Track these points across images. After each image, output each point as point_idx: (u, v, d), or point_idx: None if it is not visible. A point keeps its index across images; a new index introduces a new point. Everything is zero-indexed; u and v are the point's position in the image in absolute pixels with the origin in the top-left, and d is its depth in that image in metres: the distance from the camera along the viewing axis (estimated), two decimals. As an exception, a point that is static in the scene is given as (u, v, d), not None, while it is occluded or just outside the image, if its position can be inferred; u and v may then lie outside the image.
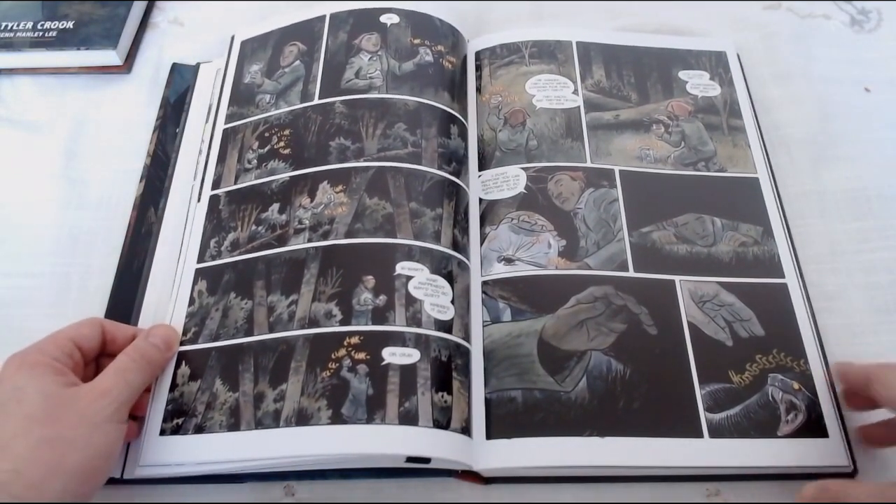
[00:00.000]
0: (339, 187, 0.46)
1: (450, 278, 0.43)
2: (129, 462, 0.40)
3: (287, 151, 0.49)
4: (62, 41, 0.57)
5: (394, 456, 0.38)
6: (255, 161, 0.49)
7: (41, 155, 0.55)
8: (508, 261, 0.46)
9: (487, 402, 0.41)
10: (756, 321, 0.44)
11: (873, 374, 0.37)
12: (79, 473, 0.34)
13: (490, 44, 0.57)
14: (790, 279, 0.46)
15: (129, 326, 0.43)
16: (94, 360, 0.41)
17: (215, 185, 0.49)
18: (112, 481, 0.40)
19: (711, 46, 0.58)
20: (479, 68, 0.56)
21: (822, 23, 0.61)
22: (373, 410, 0.38)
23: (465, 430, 0.39)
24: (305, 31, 0.55)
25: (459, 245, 0.45)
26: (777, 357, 0.43)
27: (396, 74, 0.51)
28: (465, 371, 0.41)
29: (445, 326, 0.42)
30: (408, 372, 0.39)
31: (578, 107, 0.53)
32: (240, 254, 0.45)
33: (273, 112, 0.51)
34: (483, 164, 0.51)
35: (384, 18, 0.54)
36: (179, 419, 0.40)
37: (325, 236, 0.44)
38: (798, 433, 0.40)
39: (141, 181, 0.52)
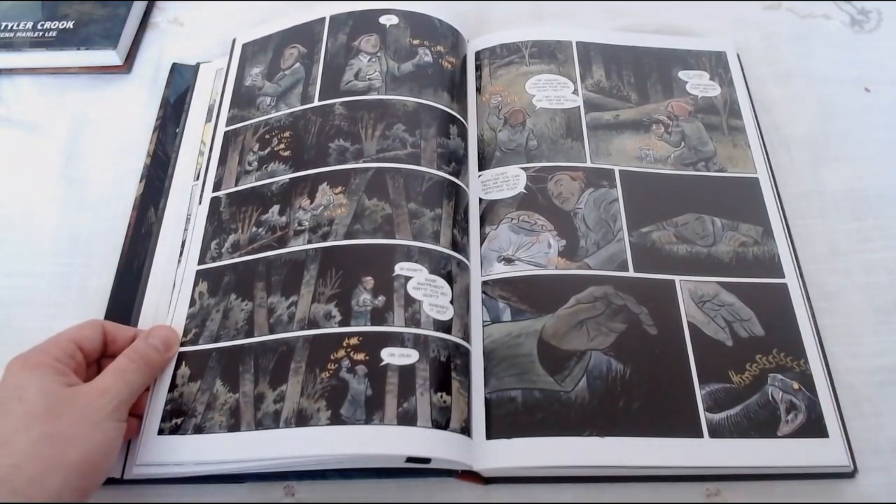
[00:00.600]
0: (339, 188, 0.46)
1: (449, 278, 0.43)
2: (128, 462, 0.40)
3: (287, 153, 0.49)
4: (62, 41, 0.57)
5: (393, 456, 0.38)
6: (256, 163, 0.49)
7: (41, 155, 0.55)
8: (508, 261, 0.46)
9: (487, 402, 0.41)
10: (756, 321, 0.44)
11: None
12: (78, 469, 0.34)
13: (490, 44, 0.57)
14: (790, 279, 0.46)
15: (130, 328, 0.43)
16: (95, 361, 0.41)
17: (216, 187, 0.50)
18: (112, 481, 0.40)
19: (711, 46, 0.58)
20: (479, 68, 0.56)
21: (822, 23, 0.61)
22: (371, 411, 0.38)
23: (465, 430, 0.39)
24: (305, 34, 0.55)
25: (459, 245, 0.45)
26: (777, 357, 0.43)
27: (395, 75, 0.51)
28: (465, 371, 0.41)
29: (444, 327, 0.42)
30: (406, 372, 0.39)
31: (578, 107, 0.53)
32: (240, 255, 0.45)
33: (273, 114, 0.51)
34: (483, 164, 0.51)
35: (383, 20, 0.54)
36: (178, 419, 0.40)
37: (324, 237, 0.44)
38: (798, 433, 0.40)
39: (141, 181, 0.52)
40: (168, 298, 0.46)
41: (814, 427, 0.41)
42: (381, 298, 0.42)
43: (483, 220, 0.48)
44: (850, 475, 0.41)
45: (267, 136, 0.50)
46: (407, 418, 0.38)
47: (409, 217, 0.45)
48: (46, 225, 0.51)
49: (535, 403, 0.41)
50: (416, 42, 0.53)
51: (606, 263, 0.46)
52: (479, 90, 0.55)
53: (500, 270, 0.46)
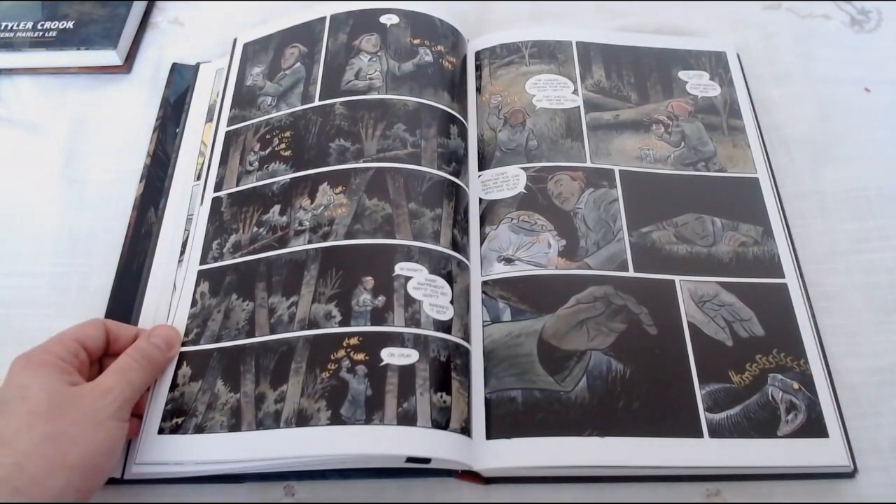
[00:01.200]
0: (339, 188, 0.46)
1: (449, 278, 0.43)
2: (128, 462, 0.40)
3: (288, 153, 0.49)
4: (62, 41, 0.57)
5: (393, 456, 0.38)
6: (257, 163, 0.49)
7: (41, 155, 0.55)
8: (508, 261, 0.46)
9: (487, 402, 0.41)
10: (756, 321, 0.44)
11: None
12: (81, 469, 0.34)
13: (490, 44, 0.57)
14: (790, 279, 0.46)
15: (132, 327, 0.43)
16: (98, 360, 0.41)
17: (217, 187, 0.50)
18: (112, 481, 0.40)
19: (711, 47, 0.58)
20: (479, 68, 0.56)
21: (822, 23, 0.61)
22: (371, 411, 0.38)
23: (465, 430, 0.39)
24: (306, 33, 0.55)
25: (459, 245, 0.45)
26: (777, 357, 0.43)
27: (396, 75, 0.51)
28: (465, 371, 0.41)
29: (444, 327, 0.42)
30: (406, 372, 0.39)
31: (578, 107, 0.53)
32: (241, 256, 0.45)
33: (274, 114, 0.51)
34: (483, 164, 0.51)
35: (384, 19, 0.54)
36: (179, 419, 0.40)
37: (324, 237, 0.44)
38: (798, 433, 0.40)
39: (141, 181, 0.52)
40: (168, 298, 0.46)
41: (814, 427, 0.41)
42: (382, 298, 0.42)
43: (483, 220, 0.48)
44: (850, 475, 0.41)
45: (268, 136, 0.50)
46: (407, 418, 0.38)
47: (409, 217, 0.45)
48: (46, 225, 0.51)
49: (535, 403, 0.41)
50: (416, 42, 0.53)
51: (606, 263, 0.46)
52: (479, 90, 0.55)
53: (500, 270, 0.46)
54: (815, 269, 0.48)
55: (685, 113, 0.53)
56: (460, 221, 0.46)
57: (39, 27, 0.58)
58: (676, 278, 0.45)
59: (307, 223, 0.45)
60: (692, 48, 0.57)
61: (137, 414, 0.40)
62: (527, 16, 0.62)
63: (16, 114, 0.57)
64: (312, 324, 0.41)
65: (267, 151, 0.50)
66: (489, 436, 0.40)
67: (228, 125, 0.53)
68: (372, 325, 0.41)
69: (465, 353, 0.42)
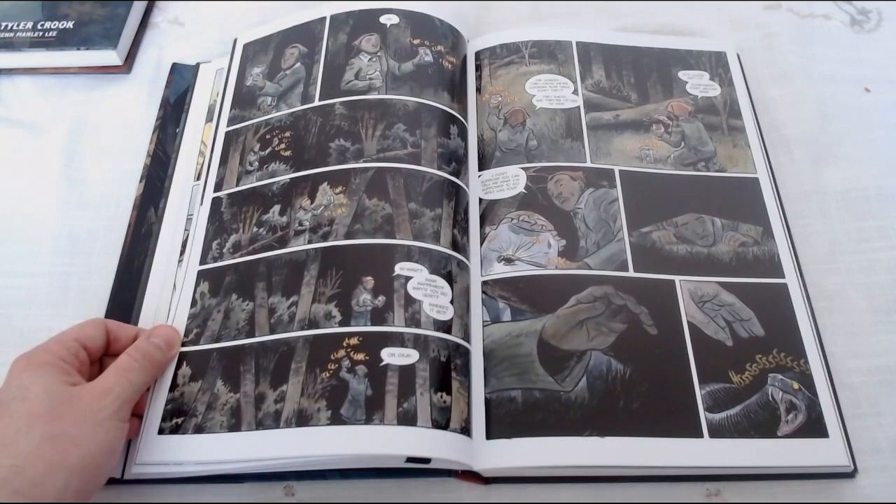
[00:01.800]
0: (339, 188, 0.46)
1: (449, 278, 0.43)
2: (128, 462, 0.40)
3: (288, 153, 0.49)
4: (62, 41, 0.57)
5: (393, 456, 0.38)
6: (257, 163, 0.49)
7: (41, 155, 0.55)
8: (508, 261, 0.46)
9: (487, 402, 0.41)
10: (756, 321, 0.44)
11: None
12: (81, 470, 0.34)
13: (490, 44, 0.57)
14: (790, 279, 0.46)
15: (132, 326, 0.43)
16: (98, 360, 0.41)
17: (217, 187, 0.50)
18: (112, 481, 0.40)
19: (711, 47, 0.58)
20: (479, 68, 0.56)
21: (822, 23, 0.61)
22: (371, 411, 0.38)
23: (465, 430, 0.39)
24: (306, 33, 0.55)
25: (459, 245, 0.45)
26: (777, 357, 0.43)
27: (396, 75, 0.51)
28: (465, 371, 0.41)
29: (444, 327, 0.42)
30: (406, 372, 0.39)
31: (578, 107, 0.53)
32: (241, 256, 0.45)
33: (274, 114, 0.51)
34: (483, 164, 0.51)
35: (384, 19, 0.54)
36: (179, 419, 0.40)
37: (324, 237, 0.44)
38: (798, 433, 0.40)
39: (141, 181, 0.52)
40: (168, 298, 0.46)
41: (814, 427, 0.41)
42: (382, 298, 0.42)
43: (483, 220, 0.48)
44: (850, 475, 0.41)
45: (268, 136, 0.50)
46: (407, 418, 0.38)
47: (409, 217, 0.45)
48: (46, 225, 0.51)
49: (534, 403, 0.41)
50: (416, 42, 0.53)
51: (606, 263, 0.46)
52: (479, 90, 0.55)
53: (500, 270, 0.46)
54: (815, 269, 0.48)
55: (685, 113, 0.53)
56: (460, 221, 0.46)
57: (39, 27, 0.58)
58: (676, 278, 0.45)
59: (307, 223, 0.45)
60: (692, 48, 0.57)
61: (137, 414, 0.40)
62: (527, 16, 0.62)
63: (16, 114, 0.57)
64: (312, 324, 0.41)
65: (267, 151, 0.50)
66: (489, 436, 0.40)
67: (228, 125, 0.53)
68: (372, 325, 0.41)
69: (465, 353, 0.42)
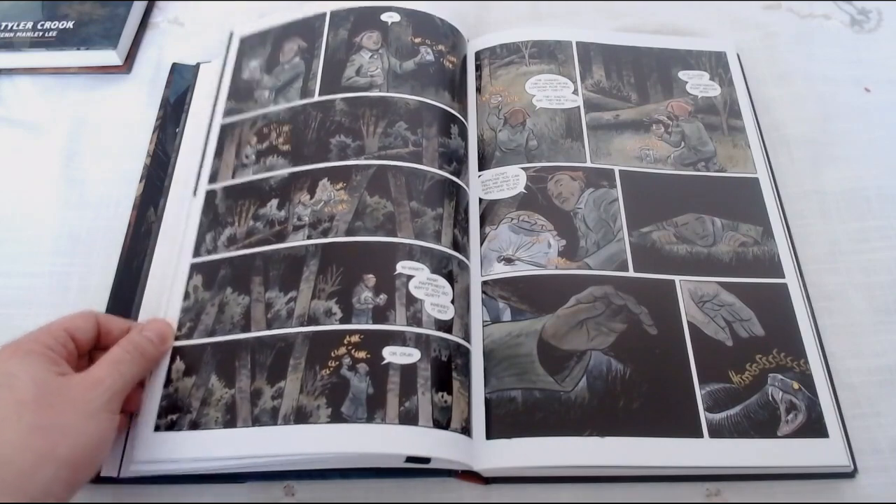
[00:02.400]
0: (340, 185, 0.46)
1: (450, 278, 0.43)
2: (124, 460, 0.40)
3: (286, 148, 0.49)
4: (62, 41, 0.57)
5: (394, 455, 0.38)
6: (254, 157, 0.49)
7: (41, 155, 0.55)
8: (508, 261, 0.46)
9: (487, 402, 0.41)
10: (756, 321, 0.44)
11: None
12: (70, 462, 0.34)
13: (490, 44, 0.57)
14: (790, 279, 0.46)
15: (124, 320, 0.43)
16: (88, 352, 0.41)
17: (212, 179, 0.49)
18: (109, 480, 0.40)
19: (711, 47, 0.58)
20: (479, 68, 0.56)
21: (822, 23, 0.61)
22: (373, 410, 0.38)
23: (465, 430, 0.39)
24: (306, 28, 0.55)
25: (459, 245, 0.45)
26: (777, 357, 0.43)
27: (397, 73, 0.51)
28: (465, 371, 0.41)
29: (446, 326, 0.42)
30: (408, 371, 0.39)
31: (578, 107, 0.53)
32: (237, 249, 0.45)
33: (272, 108, 0.51)
34: (483, 164, 0.51)
35: (385, 17, 0.54)
36: (174, 415, 0.40)
37: (325, 234, 0.44)
38: (798, 433, 0.40)
39: (141, 181, 0.52)
40: (167, 297, 0.46)
41: (814, 427, 0.41)
42: (383, 297, 0.42)
43: (483, 220, 0.48)
44: (850, 475, 0.41)
45: (265, 130, 0.50)
46: (409, 417, 0.38)
47: (410, 215, 0.45)
48: (46, 225, 0.51)
49: (535, 403, 0.41)
50: (417, 40, 0.53)
51: (606, 263, 0.46)
52: (479, 90, 0.55)
53: (500, 270, 0.46)
54: (815, 269, 0.48)
55: (685, 113, 0.53)
56: (461, 221, 0.46)
57: (39, 27, 0.58)
58: (676, 278, 0.45)
59: (307, 218, 0.45)
60: (692, 48, 0.57)
61: (125, 410, 0.40)
62: (526, 16, 0.62)
63: (16, 114, 0.57)
64: (312, 320, 0.41)
65: (264, 145, 0.49)
66: (489, 436, 0.40)
67: (224, 118, 0.52)
68: (374, 323, 0.41)
69: (466, 353, 0.42)
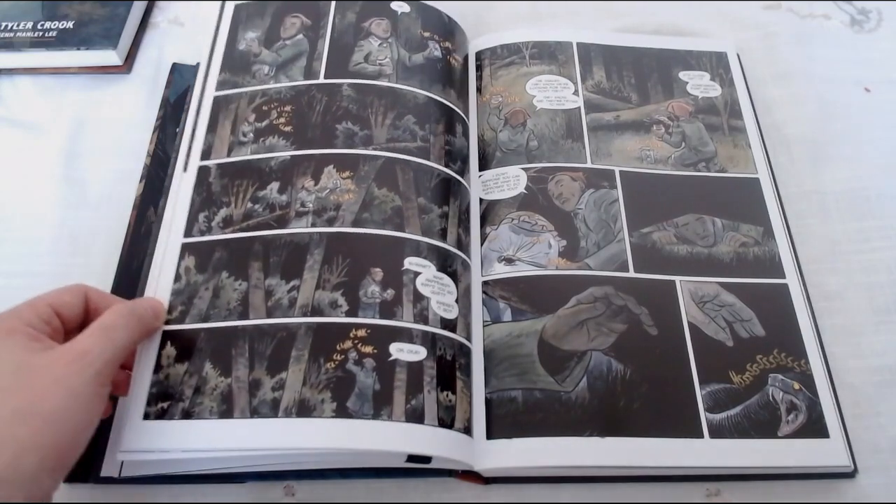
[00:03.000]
0: (346, 173, 0.45)
1: (454, 277, 0.43)
2: (111, 450, 0.39)
3: (288, 129, 0.47)
4: (62, 41, 0.57)
5: (397, 453, 0.38)
6: (252, 135, 0.48)
7: (41, 155, 0.54)
8: (509, 261, 0.46)
9: (488, 402, 0.41)
10: (756, 321, 0.44)
11: None
12: (55, 448, 0.32)
13: (490, 44, 0.57)
14: (790, 279, 0.46)
15: (115, 297, 0.40)
16: (75, 329, 0.38)
17: (205, 155, 0.47)
18: (109, 480, 0.39)
19: (712, 47, 0.58)
20: (479, 68, 0.56)
21: (822, 23, 0.61)
22: (379, 406, 0.37)
23: (467, 430, 0.39)
24: (309, 5, 0.54)
25: (463, 244, 0.45)
26: (777, 357, 0.43)
27: (406, 65, 0.51)
28: (468, 371, 0.41)
29: (450, 325, 0.41)
30: (415, 369, 0.39)
31: (579, 107, 0.53)
32: (233, 231, 0.44)
33: (272, 85, 0.50)
34: (484, 165, 0.51)
35: (395, 6, 0.53)
36: (164, 403, 0.38)
37: (330, 222, 0.43)
38: (798, 433, 0.40)
39: (141, 181, 0.52)
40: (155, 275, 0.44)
41: (814, 427, 0.41)
42: (390, 291, 0.41)
43: (483, 220, 0.48)
44: (851, 475, 0.41)
45: (265, 108, 0.49)
46: (415, 415, 0.38)
47: (418, 211, 0.44)
48: (46, 225, 0.51)
49: (535, 403, 0.41)
50: (426, 35, 0.53)
51: (607, 264, 0.46)
52: (479, 90, 0.55)
53: (501, 270, 0.46)
54: (815, 269, 0.48)
55: (686, 113, 0.53)
56: (464, 221, 0.46)
57: (39, 27, 0.58)
58: (677, 279, 0.45)
59: (310, 205, 0.44)
60: (692, 48, 0.57)
61: (112, 394, 0.38)
62: (527, 16, 0.62)
63: (16, 114, 0.57)
64: (316, 311, 0.40)
65: (264, 124, 0.48)
66: (489, 436, 0.40)
67: (217, 90, 0.51)
68: (381, 318, 0.40)
69: (468, 353, 0.42)
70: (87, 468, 0.40)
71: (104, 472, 0.39)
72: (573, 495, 0.41)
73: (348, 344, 0.39)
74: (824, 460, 0.40)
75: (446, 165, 0.47)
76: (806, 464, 0.40)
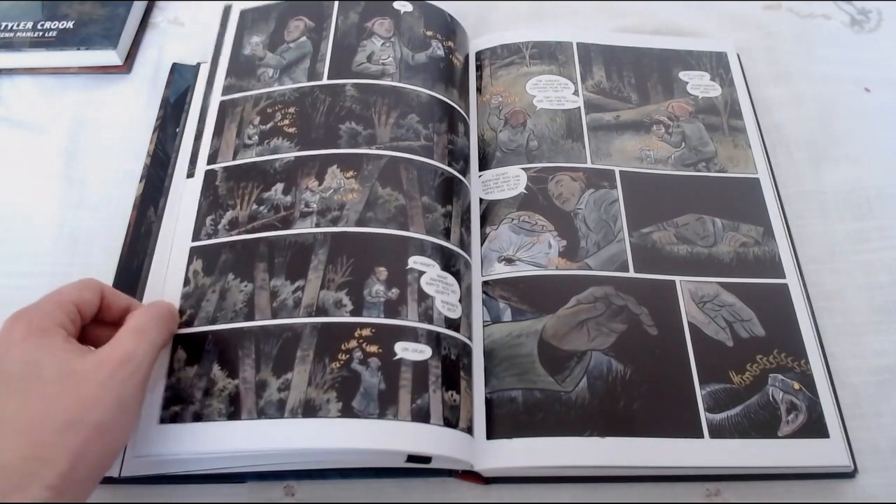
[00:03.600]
0: (350, 173, 0.45)
1: (457, 277, 0.43)
2: (126, 455, 0.39)
3: (292, 130, 0.47)
4: (62, 41, 0.57)
5: (403, 453, 0.37)
6: (257, 137, 0.48)
7: (41, 155, 0.54)
8: (509, 261, 0.46)
9: (488, 402, 0.41)
10: (756, 321, 0.44)
11: None
12: (104, 455, 0.32)
13: (490, 44, 0.57)
14: (790, 279, 0.46)
15: (126, 297, 0.40)
16: (89, 326, 0.38)
17: (211, 159, 0.48)
18: (109, 480, 0.39)
19: (712, 47, 0.58)
20: (479, 68, 0.56)
21: (822, 23, 0.61)
22: (385, 405, 0.37)
23: (470, 429, 0.39)
24: (312, 7, 0.54)
25: (465, 244, 0.45)
26: (777, 357, 0.43)
27: (410, 64, 0.51)
28: (470, 371, 0.41)
29: (454, 325, 0.41)
30: (420, 368, 0.39)
31: (579, 108, 0.53)
32: (238, 234, 0.44)
33: (277, 87, 0.50)
34: (484, 165, 0.51)
35: (397, 5, 0.53)
36: (177, 406, 0.38)
37: (334, 222, 0.43)
38: (798, 433, 0.40)
39: (141, 181, 0.52)
40: (163, 278, 0.45)
41: (814, 427, 0.41)
42: (395, 291, 0.41)
43: (483, 220, 0.48)
44: (851, 475, 0.41)
45: (269, 110, 0.49)
46: (421, 415, 0.37)
47: (422, 210, 0.44)
48: (46, 225, 0.51)
49: (535, 403, 0.41)
50: (429, 34, 0.53)
51: (607, 264, 0.46)
52: (479, 90, 0.55)
53: (501, 270, 0.46)
54: (815, 269, 0.48)
55: (686, 113, 0.53)
56: (466, 220, 0.46)
57: (39, 27, 0.58)
58: (677, 279, 0.45)
59: (314, 205, 0.44)
60: (692, 48, 0.57)
61: None
62: (527, 16, 0.62)
63: (16, 114, 0.57)
64: (321, 311, 0.40)
65: (268, 126, 0.48)
66: (489, 436, 0.40)
67: (223, 94, 0.51)
68: (385, 317, 0.40)
69: (470, 353, 0.42)
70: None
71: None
72: (573, 495, 0.41)
73: (353, 343, 0.39)
74: (824, 460, 0.40)
75: (449, 165, 0.47)
76: (806, 464, 0.40)
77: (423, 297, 0.41)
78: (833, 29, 0.61)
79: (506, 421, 0.40)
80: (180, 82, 0.57)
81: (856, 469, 0.40)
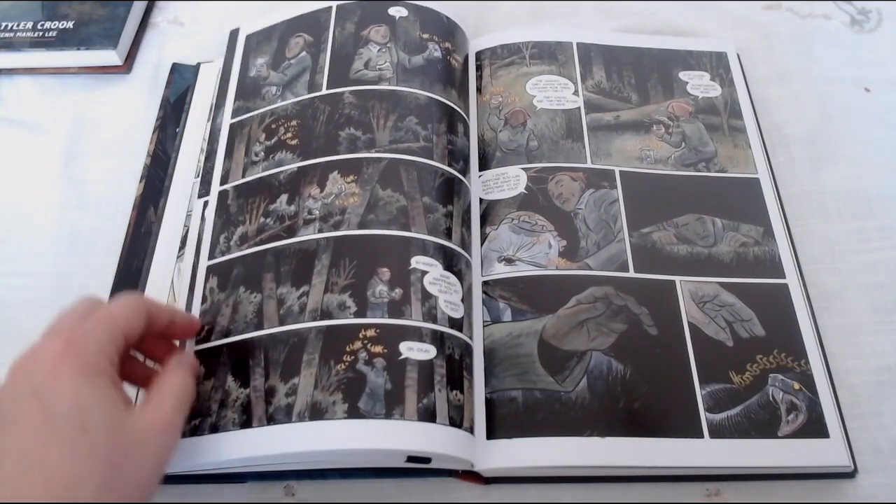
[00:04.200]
0: (350, 177, 0.45)
1: (459, 276, 0.43)
2: None
3: (295, 142, 0.48)
4: (62, 41, 0.57)
5: (399, 454, 0.37)
6: (263, 153, 0.48)
7: (41, 155, 0.55)
8: (509, 261, 0.46)
9: (488, 402, 0.41)
10: (756, 321, 0.44)
11: None
12: (137, 501, 0.31)
13: (490, 44, 0.57)
14: (791, 279, 0.46)
15: (167, 310, 0.39)
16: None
17: (223, 180, 0.49)
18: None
19: (712, 47, 0.58)
20: (479, 68, 0.56)
21: (822, 23, 0.61)
22: (391, 405, 0.37)
23: (471, 429, 0.39)
24: (311, 23, 0.54)
25: (466, 244, 0.45)
26: (778, 357, 0.43)
27: (406, 67, 0.51)
28: (472, 370, 0.41)
29: (457, 325, 0.41)
30: (425, 368, 0.39)
31: (579, 108, 0.53)
32: (248, 247, 0.44)
33: (280, 103, 0.51)
34: (483, 165, 0.51)
35: (392, 11, 0.53)
36: (196, 420, 0.39)
37: (336, 227, 0.43)
38: (799, 433, 0.40)
39: (141, 181, 0.52)
40: (166, 297, 0.46)
41: (814, 427, 0.41)
42: (398, 291, 0.41)
43: (483, 221, 0.48)
44: (851, 475, 0.41)
45: (273, 126, 0.49)
46: (427, 414, 0.37)
47: (423, 211, 0.44)
48: (46, 225, 0.51)
49: (535, 403, 0.41)
50: (425, 36, 0.53)
51: (607, 264, 0.46)
52: (479, 90, 0.55)
53: (501, 271, 0.46)
54: (815, 269, 0.48)
55: (686, 113, 0.53)
56: (467, 220, 0.46)
57: (39, 27, 0.58)
58: (677, 279, 0.45)
59: (317, 212, 0.44)
60: (692, 48, 0.57)
61: None
62: (527, 16, 0.62)
63: (16, 114, 0.57)
64: (325, 314, 0.40)
65: (273, 141, 0.49)
66: (489, 436, 0.40)
67: (233, 117, 0.52)
68: (389, 317, 0.40)
69: (472, 353, 0.42)
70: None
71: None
72: (573, 495, 0.41)
73: (358, 345, 0.39)
74: (824, 460, 0.40)
75: (449, 165, 0.47)
76: (806, 464, 0.40)
77: (426, 296, 0.41)
78: (833, 29, 0.61)
79: (506, 421, 0.40)
80: (180, 82, 0.58)
81: (856, 469, 0.40)
